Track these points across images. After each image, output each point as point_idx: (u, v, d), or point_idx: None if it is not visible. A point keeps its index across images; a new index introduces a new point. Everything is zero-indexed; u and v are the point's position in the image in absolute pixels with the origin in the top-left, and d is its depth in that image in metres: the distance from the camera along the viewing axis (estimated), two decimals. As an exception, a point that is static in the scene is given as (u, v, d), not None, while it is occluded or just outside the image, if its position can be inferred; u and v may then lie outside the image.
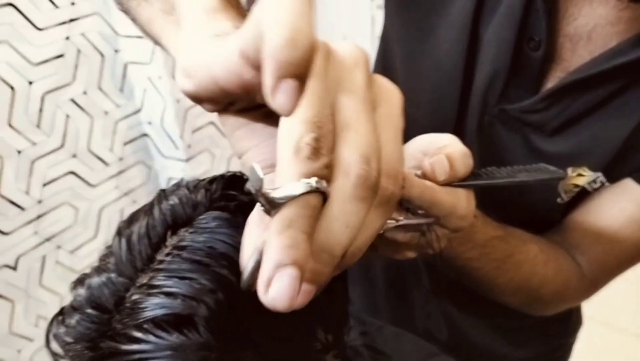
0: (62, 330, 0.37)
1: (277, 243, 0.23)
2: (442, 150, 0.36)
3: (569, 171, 0.53)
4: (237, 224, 0.37)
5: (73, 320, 0.37)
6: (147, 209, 0.39)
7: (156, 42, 0.44)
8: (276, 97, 0.23)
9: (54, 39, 1.23)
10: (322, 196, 0.24)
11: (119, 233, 0.39)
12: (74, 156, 1.36)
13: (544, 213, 0.59)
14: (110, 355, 0.34)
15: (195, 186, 0.41)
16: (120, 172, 1.49)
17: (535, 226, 0.58)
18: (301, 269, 0.24)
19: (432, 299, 0.74)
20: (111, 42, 1.37)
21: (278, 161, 0.24)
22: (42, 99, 1.25)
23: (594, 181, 0.55)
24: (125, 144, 1.48)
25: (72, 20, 1.26)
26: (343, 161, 0.23)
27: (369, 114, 0.24)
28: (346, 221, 0.24)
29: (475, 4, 0.54)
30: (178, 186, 0.41)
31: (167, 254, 0.37)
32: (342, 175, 0.23)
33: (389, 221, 0.34)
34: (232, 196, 0.40)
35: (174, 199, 0.39)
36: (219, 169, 1.66)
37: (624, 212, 0.55)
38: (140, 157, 1.54)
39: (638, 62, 0.47)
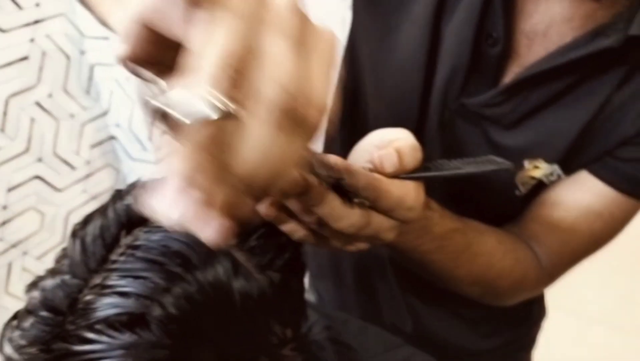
0: (16, 333, 0.37)
1: (182, 165, 0.22)
2: (392, 143, 0.37)
3: (526, 163, 0.54)
4: (191, 223, 0.38)
5: (27, 323, 0.36)
6: (102, 210, 0.39)
7: (103, 23, 0.43)
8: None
9: (18, 41, 1.21)
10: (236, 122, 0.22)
11: (74, 234, 0.39)
12: (40, 160, 1.34)
13: (503, 206, 0.60)
14: (62, 356, 0.34)
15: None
16: (87, 176, 1.47)
17: (496, 218, 0.60)
18: (210, 196, 0.22)
19: (397, 292, 0.75)
20: (77, 43, 1.35)
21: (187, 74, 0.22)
22: (6, 103, 1.22)
23: (551, 174, 0.56)
24: (92, 147, 1.46)
25: (36, 21, 1.24)
26: (264, 89, 0.22)
27: (296, 49, 0.23)
28: (262, 149, 0.22)
29: (436, 1, 0.55)
30: (133, 185, 0.41)
31: (121, 254, 0.37)
32: (261, 102, 0.22)
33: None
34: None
35: (129, 199, 0.39)
36: (190, 171, 1.64)
37: (580, 203, 0.56)
38: (108, 160, 1.52)
39: (589, 57, 0.48)
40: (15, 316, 0.38)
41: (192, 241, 0.37)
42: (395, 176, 0.36)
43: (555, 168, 0.55)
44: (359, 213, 0.36)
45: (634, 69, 0.50)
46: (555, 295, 0.77)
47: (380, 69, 0.62)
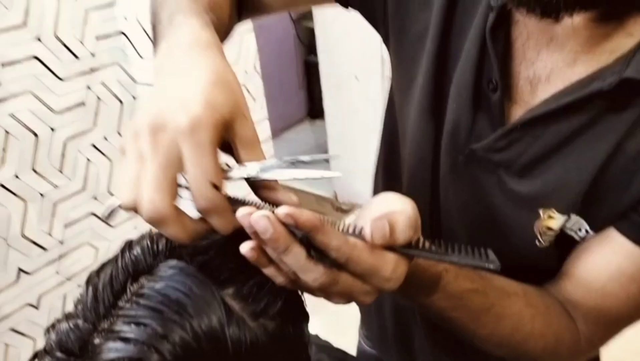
0: (35, 372, 0.40)
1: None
2: (389, 215, 0.37)
3: (540, 212, 0.52)
4: (190, 272, 0.40)
5: (44, 363, 0.40)
6: (114, 259, 0.43)
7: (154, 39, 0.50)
8: None
9: (75, 88, 1.31)
10: None
11: (88, 281, 0.42)
12: (95, 198, 1.43)
13: (527, 257, 0.57)
14: (69, 396, 0.37)
15: (158, 235, 0.44)
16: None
17: (522, 272, 0.56)
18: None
19: (427, 344, 0.74)
20: (129, 89, 1.45)
21: None
22: (64, 145, 1.32)
23: (579, 229, 0.53)
24: (143, 185, 1.54)
25: (92, 70, 1.35)
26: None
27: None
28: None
29: (437, 50, 0.56)
30: (143, 236, 0.44)
31: (127, 301, 0.40)
32: None
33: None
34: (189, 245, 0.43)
35: (137, 249, 0.42)
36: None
37: (610, 264, 0.53)
38: (158, 197, 1.60)
39: (584, 101, 0.47)
40: (36, 356, 0.41)
41: (189, 290, 0.40)
42: (388, 247, 0.37)
43: (578, 221, 0.52)
44: (322, 269, 0.36)
45: None
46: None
47: (404, 118, 0.65)
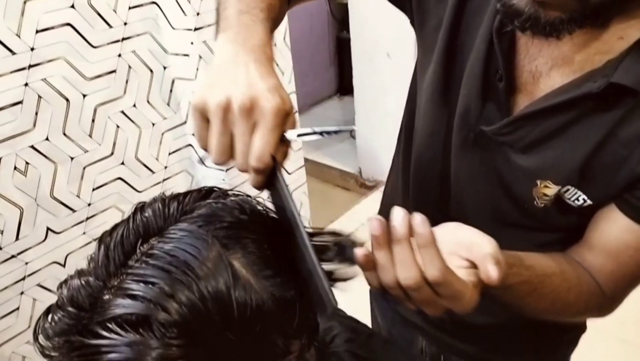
0: (47, 324, 0.42)
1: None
2: (487, 257, 0.48)
3: (538, 182, 0.62)
4: (199, 236, 0.41)
5: (56, 316, 0.42)
6: (126, 220, 0.44)
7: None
8: None
9: (107, 56, 1.34)
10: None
11: (100, 240, 0.44)
12: (122, 163, 1.46)
13: (533, 215, 0.67)
14: (77, 347, 0.39)
15: (170, 199, 0.45)
16: (165, 180, 1.58)
17: (528, 226, 0.68)
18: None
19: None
20: (160, 59, 1.46)
21: None
22: (95, 111, 1.35)
23: (577, 199, 0.62)
24: (170, 153, 1.57)
25: (124, 39, 1.36)
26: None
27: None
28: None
29: (447, 42, 0.67)
30: (155, 199, 0.45)
31: (137, 261, 0.41)
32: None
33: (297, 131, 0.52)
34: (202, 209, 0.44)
35: (148, 212, 0.44)
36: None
37: (618, 240, 0.62)
38: (184, 166, 1.62)
39: (581, 98, 0.56)
40: (49, 310, 0.43)
41: (198, 253, 0.41)
42: None
43: (576, 192, 0.62)
44: (419, 274, 0.46)
45: (632, 111, 0.55)
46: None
47: (420, 96, 0.76)
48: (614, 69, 0.53)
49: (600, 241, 0.63)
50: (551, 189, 0.62)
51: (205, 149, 0.51)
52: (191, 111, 0.52)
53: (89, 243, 1.41)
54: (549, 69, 0.59)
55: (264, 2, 0.62)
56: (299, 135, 0.52)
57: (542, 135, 0.61)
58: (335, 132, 0.52)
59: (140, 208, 0.45)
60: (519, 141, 0.62)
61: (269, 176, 0.50)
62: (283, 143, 0.50)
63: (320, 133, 0.52)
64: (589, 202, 0.62)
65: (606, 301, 0.66)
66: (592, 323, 0.80)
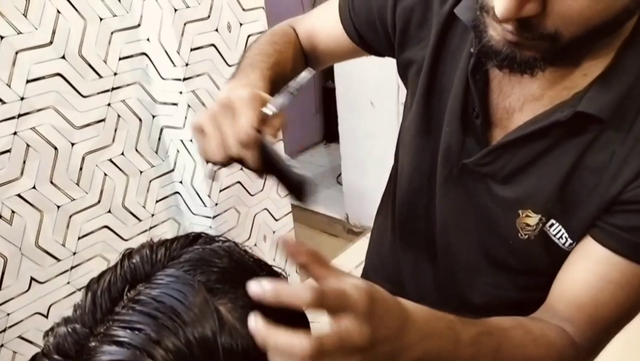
0: (33, 374, 0.42)
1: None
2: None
3: (520, 212, 0.64)
4: (186, 281, 0.42)
5: (42, 365, 0.42)
6: (114, 267, 0.45)
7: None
8: None
9: (96, 105, 1.36)
10: None
11: (88, 287, 0.44)
12: (109, 211, 1.46)
13: (516, 248, 0.66)
14: (63, 396, 0.39)
15: (158, 245, 0.46)
16: (151, 228, 1.58)
17: (508, 260, 0.68)
18: None
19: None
20: (149, 108, 1.49)
21: None
22: (83, 159, 1.36)
23: (560, 236, 0.62)
24: (157, 201, 1.57)
25: (114, 88, 1.39)
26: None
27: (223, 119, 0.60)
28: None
29: (427, 83, 0.72)
30: (143, 246, 0.46)
31: (124, 307, 0.41)
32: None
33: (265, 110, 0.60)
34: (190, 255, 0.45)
35: (136, 258, 0.44)
36: (244, 226, 1.72)
37: (596, 275, 0.60)
38: (171, 213, 1.63)
39: (551, 126, 0.59)
40: (34, 359, 0.43)
41: (184, 298, 0.41)
42: None
43: (558, 227, 0.62)
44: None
45: (596, 138, 0.58)
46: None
47: (403, 136, 0.81)
48: (579, 100, 0.58)
49: (576, 283, 0.61)
50: (532, 218, 0.63)
51: (208, 161, 0.61)
52: (191, 130, 0.63)
53: (73, 292, 1.40)
54: (521, 104, 0.64)
55: (271, 57, 0.76)
56: (275, 105, 0.61)
57: (519, 164, 0.63)
58: (302, 86, 0.63)
59: (128, 254, 0.45)
60: (499, 171, 0.65)
61: (264, 158, 0.58)
62: (269, 122, 0.60)
63: (291, 93, 0.62)
64: (570, 241, 0.61)
65: (581, 352, 0.62)
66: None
